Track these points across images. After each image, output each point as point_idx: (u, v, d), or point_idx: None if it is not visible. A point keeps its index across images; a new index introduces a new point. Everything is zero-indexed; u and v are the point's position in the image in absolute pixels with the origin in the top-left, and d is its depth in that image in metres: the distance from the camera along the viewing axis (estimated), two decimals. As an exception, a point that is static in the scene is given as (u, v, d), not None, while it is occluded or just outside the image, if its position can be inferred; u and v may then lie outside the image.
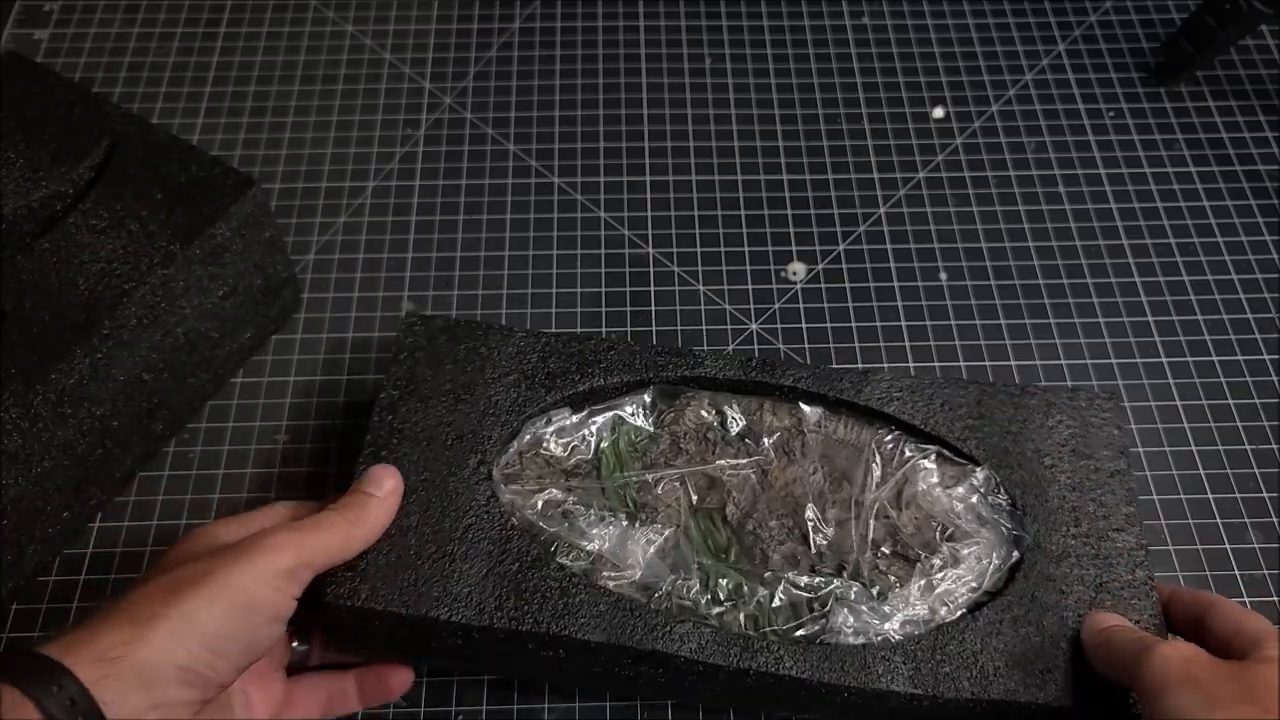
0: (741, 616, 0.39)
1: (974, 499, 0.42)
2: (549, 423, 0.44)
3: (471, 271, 0.55)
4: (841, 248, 0.56)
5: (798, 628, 0.39)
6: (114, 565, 0.46)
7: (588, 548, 0.40)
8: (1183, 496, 0.48)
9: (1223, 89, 0.62)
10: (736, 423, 0.44)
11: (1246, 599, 0.46)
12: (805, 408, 0.44)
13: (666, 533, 0.41)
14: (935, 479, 0.43)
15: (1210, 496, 0.48)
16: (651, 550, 0.40)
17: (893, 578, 0.40)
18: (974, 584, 0.40)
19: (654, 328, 0.53)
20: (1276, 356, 0.52)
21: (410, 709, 0.43)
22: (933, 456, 0.43)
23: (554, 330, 0.52)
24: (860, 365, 0.50)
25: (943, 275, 0.55)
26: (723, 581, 0.40)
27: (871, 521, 0.41)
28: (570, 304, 0.54)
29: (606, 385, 0.44)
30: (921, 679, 0.37)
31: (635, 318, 0.53)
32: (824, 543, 0.41)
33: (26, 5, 0.65)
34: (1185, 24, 0.61)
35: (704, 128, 0.61)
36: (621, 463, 0.43)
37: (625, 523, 0.41)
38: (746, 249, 0.56)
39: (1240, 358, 0.52)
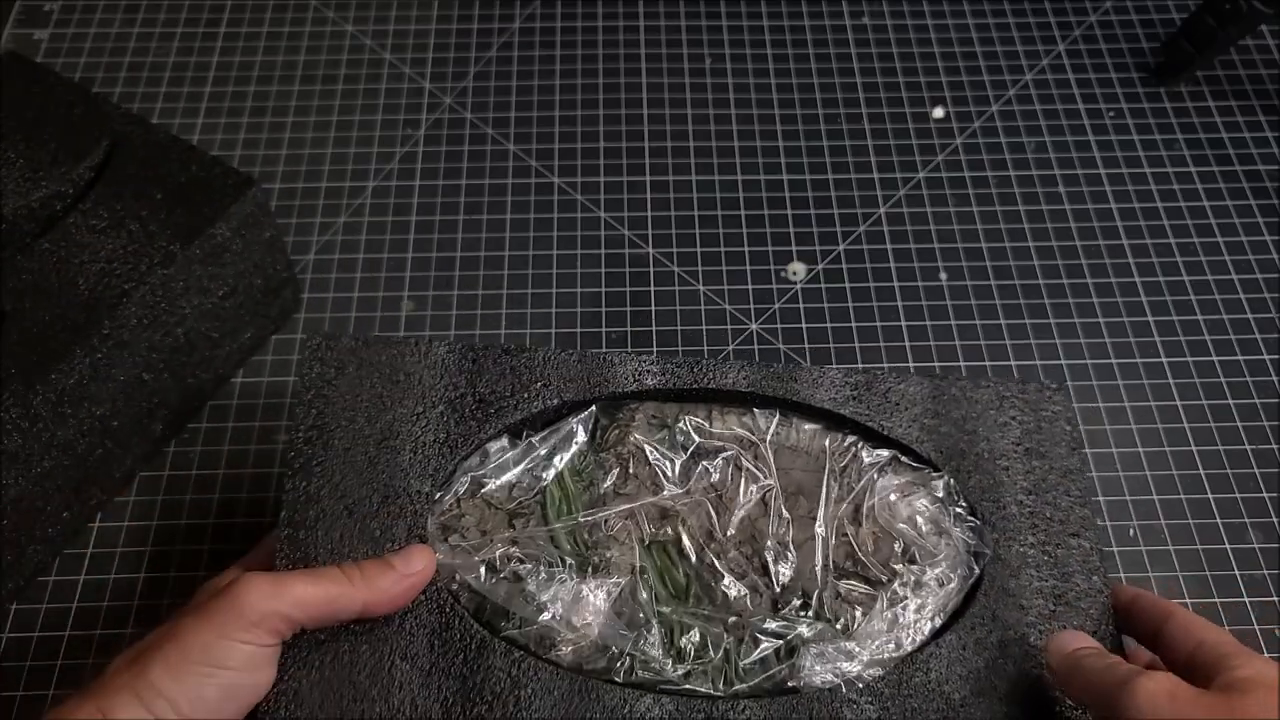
0: (710, 670, 0.37)
1: (934, 509, 0.41)
2: (485, 459, 0.40)
3: (471, 271, 0.55)
4: (841, 248, 0.56)
5: (767, 679, 0.37)
6: (114, 565, 0.46)
7: (540, 618, 0.37)
8: (1183, 496, 0.48)
9: (1223, 89, 0.62)
10: (684, 436, 0.41)
11: (1246, 599, 0.46)
12: (757, 413, 0.42)
13: (622, 582, 0.38)
14: (894, 491, 0.41)
15: (1210, 496, 0.48)
16: (607, 606, 0.37)
17: (855, 608, 0.39)
18: (937, 609, 0.39)
19: (654, 328, 0.53)
20: (1276, 356, 0.52)
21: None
22: (890, 465, 0.41)
23: (479, 340, 0.50)
24: (810, 365, 0.49)
25: (943, 275, 0.55)
26: (686, 636, 0.37)
27: (831, 543, 0.40)
28: (570, 304, 0.54)
29: (545, 408, 0.41)
30: (890, 718, 0.37)
31: (635, 318, 0.53)
32: (785, 571, 0.39)
33: (26, 5, 0.65)
34: (1185, 24, 0.61)
35: (704, 128, 0.61)
36: (568, 498, 0.40)
37: (576, 579, 0.38)
38: (746, 249, 0.56)
39: (1240, 358, 0.52)
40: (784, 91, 0.63)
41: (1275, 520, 0.48)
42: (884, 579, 0.39)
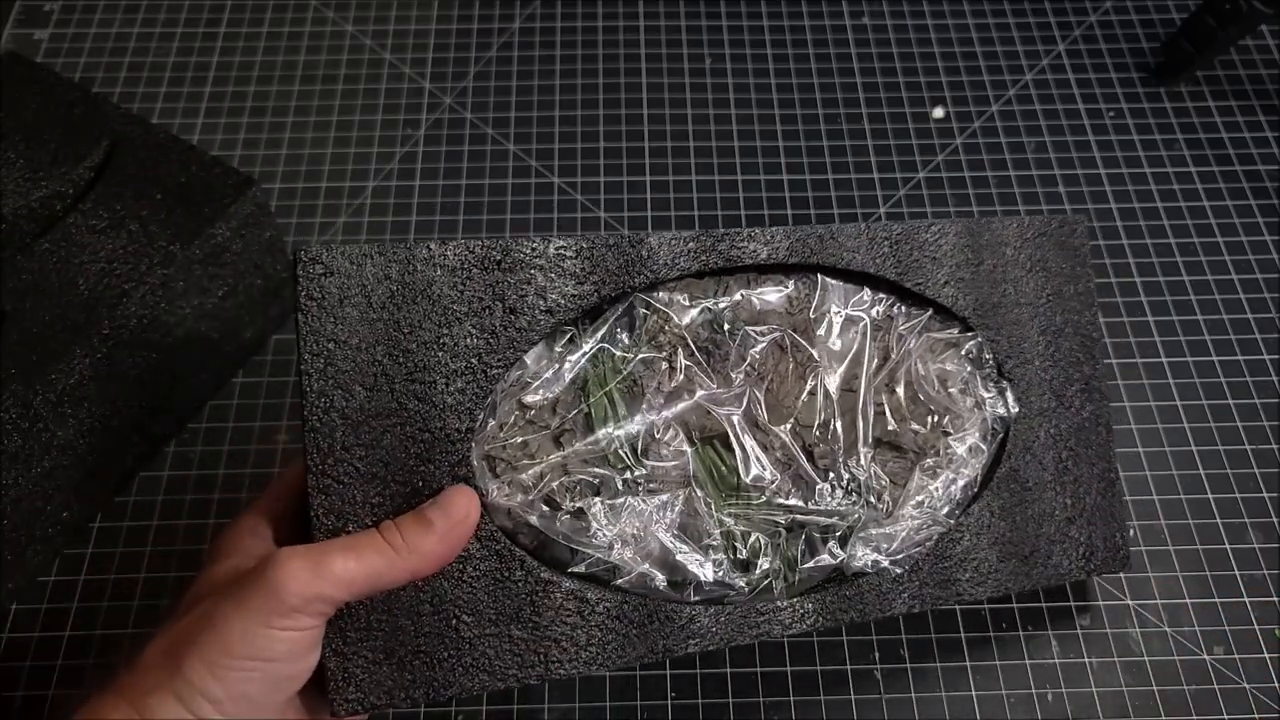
0: (770, 577, 0.38)
1: (965, 372, 0.42)
2: (523, 371, 0.37)
3: (471, 271, 0.55)
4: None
5: (818, 569, 0.39)
6: (114, 565, 0.46)
7: (609, 555, 0.36)
8: (1183, 496, 0.48)
9: (1223, 89, 0.62)
10: (722, 315, 0.39)
11: (1246, 599, 0.46)
12: (794, 283, 0.41)
13: (679, 499, 0.37)
14: (928, 353, 0.42)
15: (1210, 496, 0.48)
16: (669, 530, 0.37)
17: (889, 481, 0.40)
18: (970, 479, 0.41)
19: (654, 328, 0.53)
20: (1276, 356, 0.52)
21: (411, 709, 0.43)
22: (922, 326, 0.41)
23: (488, 238, 0.44)
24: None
25: (943, 275, 0.55)
26: (746, 543, 0.38)
27: (870, 417, 0.40)
28: (570, 304, 0.54)
29: (582, 305, 0.37)
30: (924, 594, 0.40)
31: (635, 318, 0.53)
32: (826, 456, 0.39)
33: (26, 5, 0.65)
34: (1185, 24, 0.61)
35: (704, 128, 0.61)
36: (614, 405, 0.38)
37: (635, 501, 0.37)
38: (746, 249, 0.56)
39: (1240, 358, 0.52)
40: (784, 91, 0.62)
41: (1275, 520, 0.48)
42: (917, 449, 0.41)
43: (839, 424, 0.40)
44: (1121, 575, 0.46)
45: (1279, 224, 0.57)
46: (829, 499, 0.39)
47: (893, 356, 0.41)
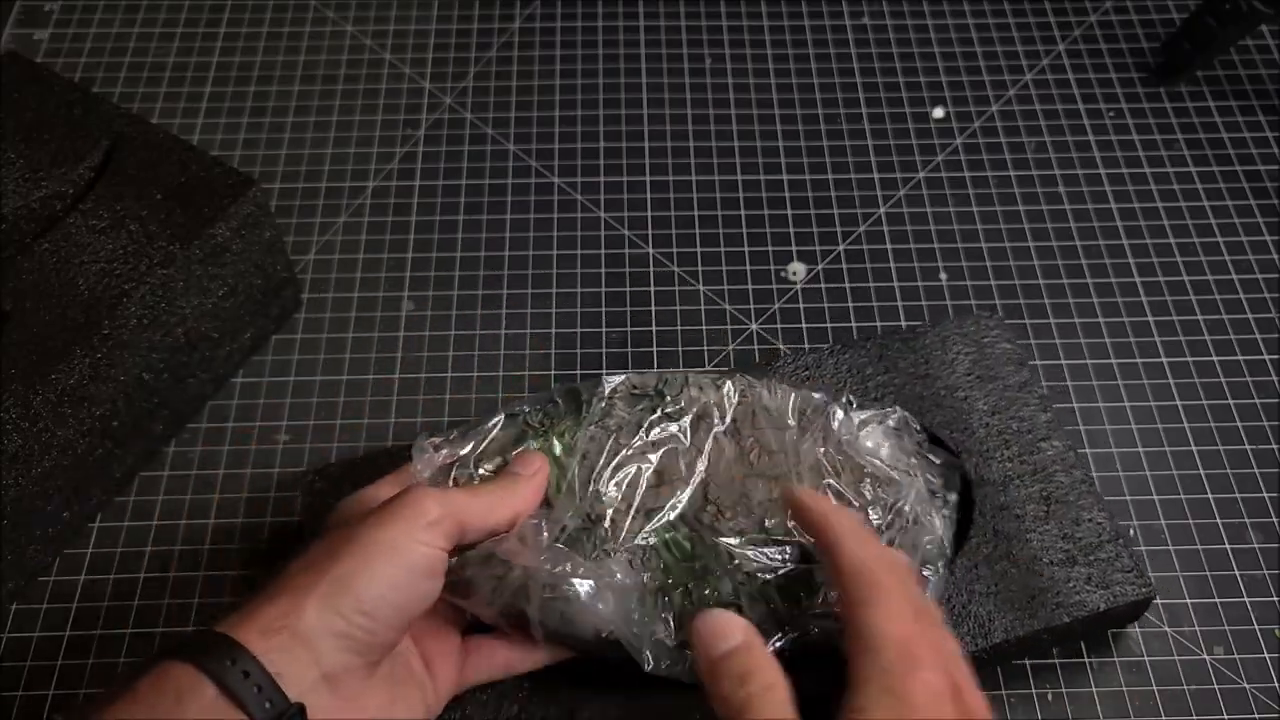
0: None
1: (891, 442, 0.41)
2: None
3: (471, 271, 0.55)
4: (841, 248, 0.56)
5: (779, 627, 0.38)
6: (114, 565, 0.46)
7: (597, 632, 0.36)
8: (1183, 496, 0.48)
9: (1223, 89, 0.62)
10: (663, 401, 0.41)
11: (1246, 599, 0.46)
12: (732, 379, 0.42)
13: (628, 583, 0.37)
14: (855, 428, 0.41)
15: (1210, 496, 0.48)
16: (619, 605, 0.37)
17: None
18: (937, 538, 0.40)
19: (654, 328, 0.53)
20: (1276, 356, 0.52)
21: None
22: (850, 410, 0.42)
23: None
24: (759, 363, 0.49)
25: (943, 275, 0.55)
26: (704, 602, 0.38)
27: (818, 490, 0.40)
28: (570, 304, 0.54)
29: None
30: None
31: (635, 318, 0.53)
32: (775, 524, 0.39)
33: (26, 5, 0.65)
34: (1185, 24, 0.61)
35: (704, 128, 0.61)
36: (564, 476, 0.39)
37: (598, 578, 0.37)
38: (746, 249, 0.56)
39: (1240, 358, 0.52)
40: (784, 91, 0.62)
41: (1275, 520, 0.48)
42: (873, 520, 0.40)
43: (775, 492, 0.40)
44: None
45: (1279, 224, 0.57)
46: (785, 560, 0.39)
47: (822, 438, 0.41)
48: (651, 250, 0.56)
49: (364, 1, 0.66)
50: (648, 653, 0.36)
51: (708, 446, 0.40)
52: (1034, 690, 0.43)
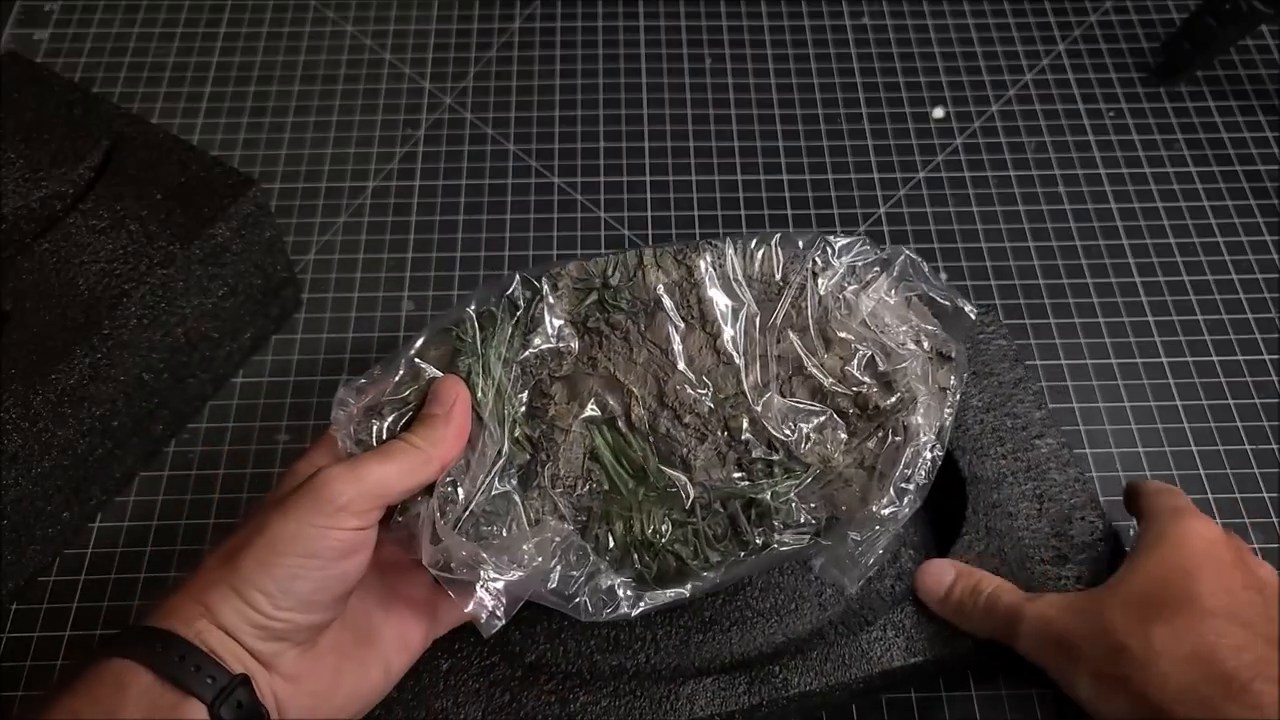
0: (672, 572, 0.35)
1: (897, 294, 0.38)
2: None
3: (471, 271, 0.55)
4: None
5: (745, 552, 0.36)
6: (114, 565, 0.46)
7: (514, 574, 0.34)
8: (1183, 496, 0.48)
9: (1223, 89, 0.62)
10: (616, 294, 0.37)
11: (1246, 599, 0.46)
12: (693, 254, 0.38)
13: (559, 538, 0.34)
14: (852, 285, 0.37)
15: (1210, 496, 0.48)
16: (555, 561, 0.34)
17: (828, 445, 0.36)
18: (931, 441, 0.36)
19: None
20: (1276, 356, 0.52)
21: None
22: (850, 256, 0.38)
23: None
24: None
25: (943, 275, 0.55)
26: (651, 526, 0.35)
27: (794, 379, 0.37)
28: (570, 304, 0.54)
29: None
30: (915, 646, 0.39)
31: (635, 318, 0.53)
32: (746, 425, 0.36)
33: (26, 5, 0.65)
34: (1185, 24, 0.61)
35: (704, 128, 0.61)
36: (502, 394, 0.36)
37: (526, 513, 0.35)
38: (746, 249, 0.56)
39: (1240, 358, 0.52)
40: (784, 91, 0.62)
41: (1275, 520, 0.48)
42: (853, 411, 0.37)
43: (758, 391, 0.36)
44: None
45: (1279, 224, 0.57)
46: (753, 469, 0.36)
47: (810, 306, 0.37)
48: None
49: (364, 1, 0.66)
50: (585, 602, 0.34)
51: (667, 339, 0.36)
52: (1034, 690, 0.43)
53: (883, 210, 0.57)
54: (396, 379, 0.36)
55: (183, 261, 0.44)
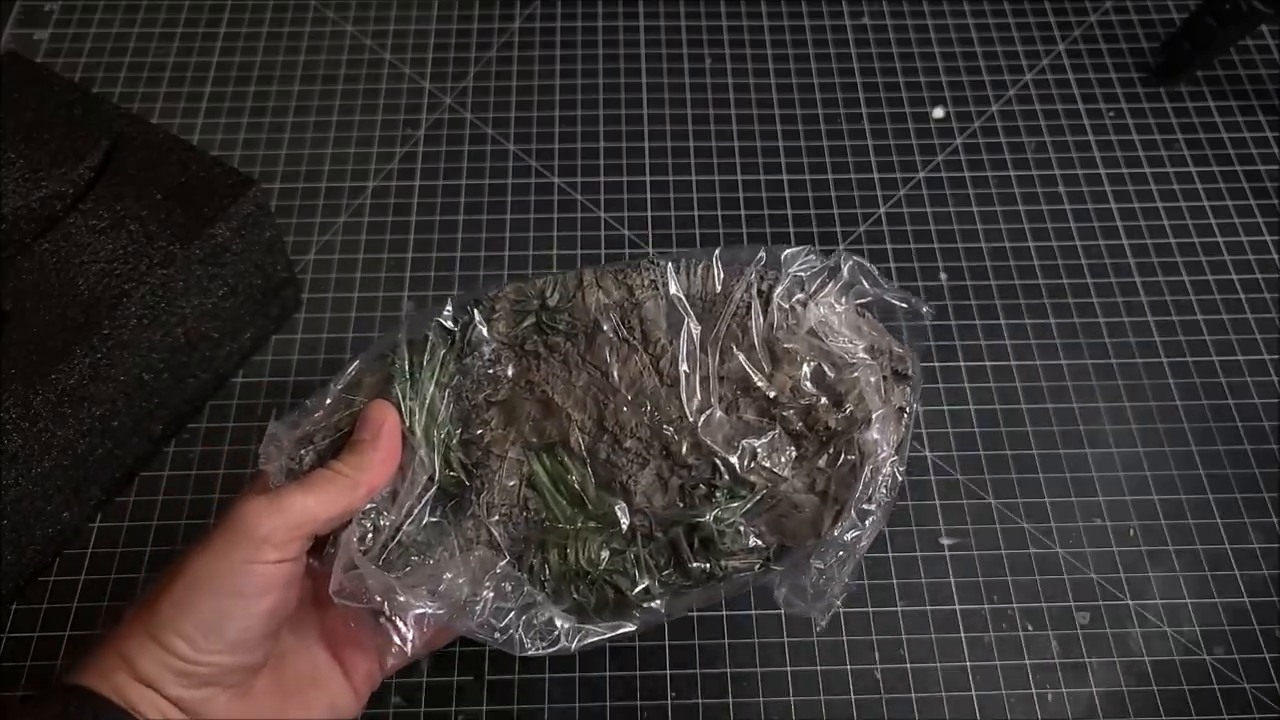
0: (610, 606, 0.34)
1: (845, 304, 0.36)
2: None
3: (472, 272, 0.55)
4: (841, 248, 0.56)
5: (687, 582, 0.34)
6: (114, 565, 0.46)
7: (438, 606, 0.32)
8: (1183, 496, 0.48)
9: (1223, 89, 0.62)
10: (554, 315, 0.36)
11: (1246, 599, 0.46)
12: (634, 274, 0.36)
13: (496, 569, 0.33)
14: (796, 296, 0.36)
15: (1210, 496, 0.48)
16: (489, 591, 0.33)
17: (776, 467, 0.34)
18: (889, 456, 0.34)
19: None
20: (1276, 356, 0.52)
21: (410, 709, 0.43)
22: (796, 266, 0.36)
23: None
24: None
25: (943, 275, 0.55)
26: (586, 555, 0.34)
27: (741, 398, 0.35)
28: (570, 304, 0.54)
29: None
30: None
31: (635, 318, 0.53)
32: (689, 450, 0.34)
33: (26, 5, 0.65)
34: (1185, 24, 0.61)
35: (704, 128, 0.61)
36: (434, 419, 0.35)
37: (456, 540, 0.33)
38: (746, 249, 0.56)
39: (1240, 358, 0.52)
40: (784, 91, 0.62)
41: (1275, 520, 0.48)
42: (801, 427, 0.35)
43: (701, 414, 0.35)
44: (1122, 575, 0.46)
45: (1279, 224, 0.57)
46: (695, 495, 0.34)
47: (753, 324, 0.35)
48: (651, 250, 0.56)
49: (364, 1, 0.66)
50: (519, 635, 0.32)
51: (607, 361, 0.35)
52: (1034, 690, 0.43)
53: (883, 210, 0.57)
54: (328, 406, 0.35)
55: (183, 261, 0.44)
